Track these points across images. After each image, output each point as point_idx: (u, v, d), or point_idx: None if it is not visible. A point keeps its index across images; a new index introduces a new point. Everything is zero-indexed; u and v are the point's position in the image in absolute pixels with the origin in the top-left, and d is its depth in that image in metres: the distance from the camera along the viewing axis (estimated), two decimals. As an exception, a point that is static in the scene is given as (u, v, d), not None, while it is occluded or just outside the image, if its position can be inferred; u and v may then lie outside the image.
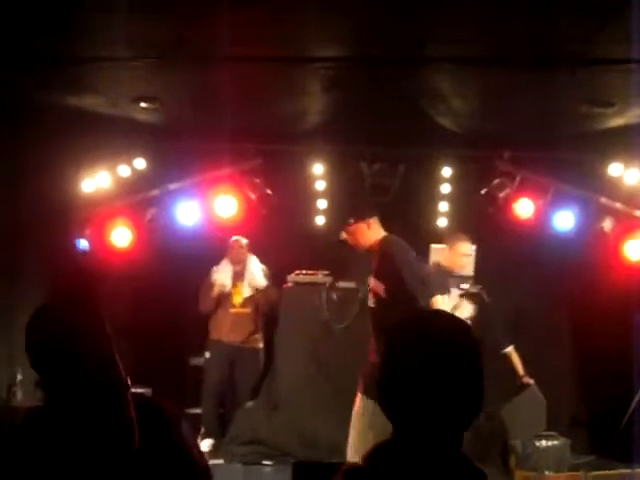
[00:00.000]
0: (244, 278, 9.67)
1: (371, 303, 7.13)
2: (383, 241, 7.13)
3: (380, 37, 6.93)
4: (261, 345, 9.73)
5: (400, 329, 2.32)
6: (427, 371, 2.20)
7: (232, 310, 9.57)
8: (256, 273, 9.69)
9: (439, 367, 2.20)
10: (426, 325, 2.31)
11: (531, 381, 8.84)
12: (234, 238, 9.72)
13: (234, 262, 9.69)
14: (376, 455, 2.25)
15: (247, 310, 9.59)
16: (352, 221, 7.21)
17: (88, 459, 2.65)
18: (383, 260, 7.07)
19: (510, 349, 8.88)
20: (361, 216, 7.20)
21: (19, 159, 8.96)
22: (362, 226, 7.16)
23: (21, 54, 7.19)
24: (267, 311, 9.73)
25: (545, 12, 6.12)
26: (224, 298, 9.61)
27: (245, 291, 9.64)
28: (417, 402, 2.19)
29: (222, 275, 9.68)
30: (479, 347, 2.28)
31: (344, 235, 7.35)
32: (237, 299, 9.63)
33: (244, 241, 9.71)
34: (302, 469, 6.97)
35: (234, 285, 9.65)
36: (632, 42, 6.39)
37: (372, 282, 7.10)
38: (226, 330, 9.53)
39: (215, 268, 9.71)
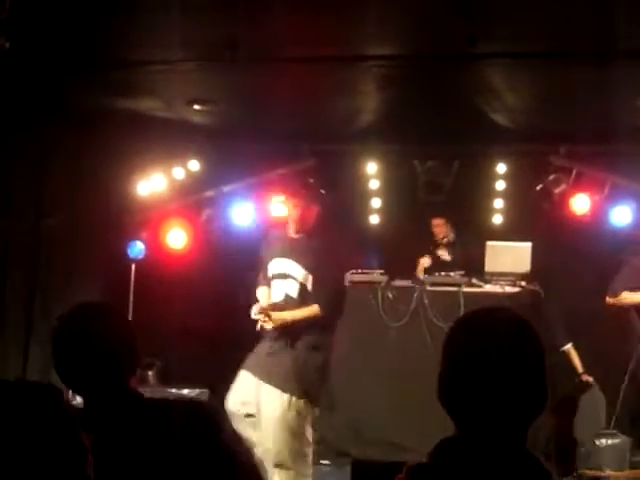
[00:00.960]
0: None
1: None
2: None
3: (432, 34, 6.91)
4: None
5: (461, 325, 2.31)
6: (489, 367, 2.18)
7: None
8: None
9: (501, 363, 2.18)
10: (487, 320, 2.30)
11: (590, 379, 8.76)
12: None
13: None
14: (440, 452, 2.24)
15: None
16: None
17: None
18: None
19: (569, 346, 8.81)
20: None
21: (76, 163, 9.08)
22: None
23: (77, 58, 7.27)
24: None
25: (600, 5, 6.06)
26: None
27: None
28: (480, 398, 2.18)
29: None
30: (541, 343, 2.26)
31: None
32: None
33: None
34: (361, 468, 6.97)
35: None
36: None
37: None
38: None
39: None
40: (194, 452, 2.73)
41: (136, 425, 2.75)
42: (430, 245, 10.02)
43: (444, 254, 9.87)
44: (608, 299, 8.37)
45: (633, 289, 8.23)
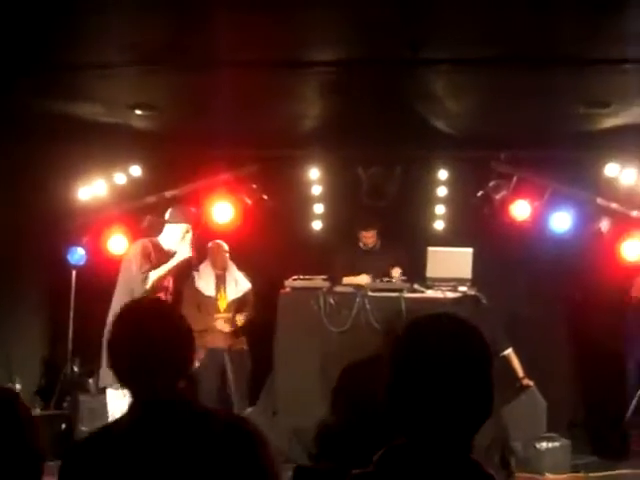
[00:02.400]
0: (226, 283, 9.57)
1: None
2: None
3: (375, 40, 6.93)
4: (246, 347, 9.63)
5: (408, 331, 2.29)
6: (435, 374, 2.16)
7: (217, 315, 9.47)
8: (239, 277, 9.62)
9: (447, 369, 2.17)
10: (434, 327, 2.28)
11: (531, 383, 8.83)
12: (216, 242, 9.59)
13: (217, 267, 9.57)
14: (384, 459, 2.22)
15: (230, 315, 9.49)
16: None
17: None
18: None
19: (509, 351, 8.87)
20: None
21: (15, 167, 8.97)
22: None
23: (17, 61, 7.18)
24: (251, 315, 9.63)
25: (541, 13, 6.13)
26: (209, 303, 9.50)
27: (229, 296, 9.55)
28: (425, 406, 2.16)
29: (205, 281, 9.55)
30: (488, 349, 2.26)
31: None
32: (222, 304, 9.53)
33: (226, 246, 9.61)
34: (303, 474, 6.94)
35: (218, 290, 9.55)
36: (628, 42, 6.41)
37: None
38: (212, 337, 9.41)
39: (196, 273, 9.56)
40: (232, 462, 2.71)
41: (182, 429, 2.70)
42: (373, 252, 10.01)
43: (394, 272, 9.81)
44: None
45: None
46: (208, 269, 9.57)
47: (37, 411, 8.79)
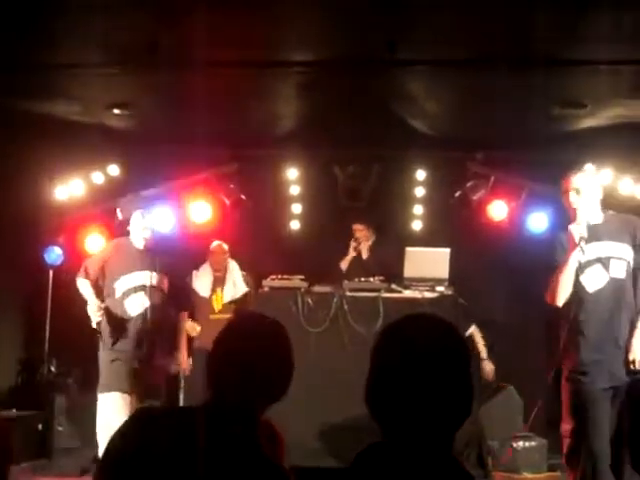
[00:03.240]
0: (224, 284, 9.58)
1: None
2: None
3: (353, 40, 6.94)
4: None
5: (389, 331, 2.31)
6: (415, 373, 2.19)
7: (212, 316, 9.47)
8: (237, 279, 9.61)
9: (427, 369, 2.19)
10: (414, 327, 2.31)
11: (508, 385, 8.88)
12: (216, 243, 9.60)
13: (215, 268, 9.58)
14: (364, 458, 2.23)
15: (226, 316, 9.49)
16: None
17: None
18: None
19: (473, 329, 8.97)
20: None
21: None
22: None
23: (-8, 61, 7.16)
24: None
25: (517, 14, 6.16)
26: (203, 304, 9.51)
27: (225, 297, 9.56)
28: (406, 405, 2.18)
29: (201, 282, 9.56)
30: (467, 348, 2.28)
31: None
32: (217, 305, 9.53)
33: (226, 247, 9.61)
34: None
35: (214, 291, 9.56)
36: (603, 44, 6.45)
37: None
38: (206, 337, 9.40)
39: (195, 273, 9.59)
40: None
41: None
42: (351, 249, 10.05)
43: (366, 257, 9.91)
44: None
45: None
46: (207, 270, 9.59)
47: (13, 411, 8.74)
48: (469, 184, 9.63)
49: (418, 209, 10.61)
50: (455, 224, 9.86)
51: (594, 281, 5.78)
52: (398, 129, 9.01)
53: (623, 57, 6.77)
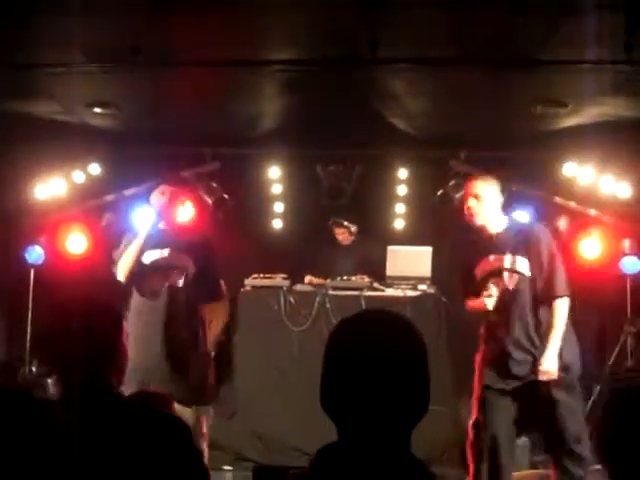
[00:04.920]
0: None
1: None
2: None
3: (334, 39, 6.94)
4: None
5: (340, 328, 2.29)
6: (368, 369, 2.15)
7: None
8: None
9: (380, 364, 2.16)
10: (367, 323, 2.28)
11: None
12: None
13: None
14: (320, 458, 2.20)
15: None
16: None
17: None
18: None
19: None
20: None
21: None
22: None
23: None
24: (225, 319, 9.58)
25: (499, 13, 6.17)
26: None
27: None
28: (359, 402, 2.15)
29: None
30: (423, 346, 2.24)
31: None
32: None
33: None
34: (262, 474, 6.94)
35: None
36: (585, 43, 6.46)
37: None
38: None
39: None
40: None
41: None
42: (333, 250, 10.05)
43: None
44: None
45: None
46: None
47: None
48: (451, 183, 9.64)
49: (400, 208, 10.62)
50: (437, 223, 9.87)
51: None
52: (380, 128, 9.02)
53: (604, 57, 6.78)
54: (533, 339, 5.94)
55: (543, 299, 5.95)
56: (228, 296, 9.46)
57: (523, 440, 8.42)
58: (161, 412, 2.93)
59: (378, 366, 2.15)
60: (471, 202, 6.03)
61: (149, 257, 6.80)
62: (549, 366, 5.81)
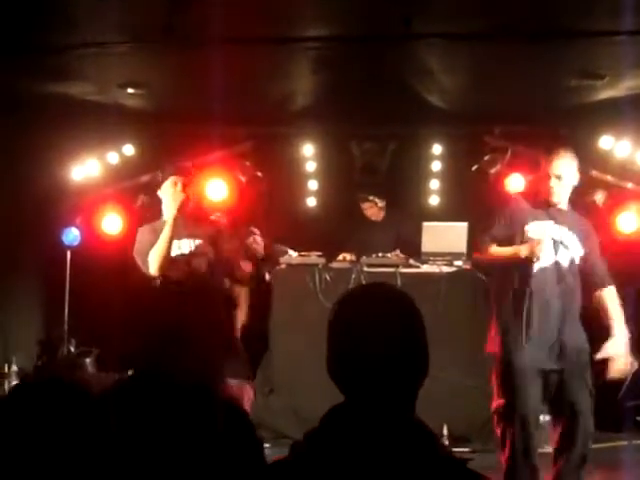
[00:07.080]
0: None
1: None
2: None
3: (368, 15, 6.90)
4: None
5: (344, 300, 2.40)
6: (369, 336, 2.27)
7: None
8: None
9: (380, 330, 2.27)
10: (366, 293, 2.44)
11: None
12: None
13: None
14: (327, 420, 2.28)
15: None
16: None
17: None
18: None
19: None
20: None
21: (6, 149, 8.92)
22: None
23: (6, 42, 7.14)
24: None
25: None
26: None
27: None
28: (362, 368, 2.26)
29: None
30: (420, 316, 2.35)
31: None
32: None
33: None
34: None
35: None
36: (621, 14, 6.38)
37: None
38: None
39: None
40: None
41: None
42: (363, 227, 10.01)
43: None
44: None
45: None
46: None
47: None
48: (486, 158, 9.59)
49: (435, 184, 10.58)
50: (472, 198, 9.82)
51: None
52: (414, 104, 8.97)
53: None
54: (578, 322, 5.90)
55: (595, 285, 5.90)
56: (255, 279, 9.50)
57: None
58: (229, 403, 2.96)
59: (378, 333, 2.28)
60: (553, 182, 5.92)
61: (177, 248, 6.75)
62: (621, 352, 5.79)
